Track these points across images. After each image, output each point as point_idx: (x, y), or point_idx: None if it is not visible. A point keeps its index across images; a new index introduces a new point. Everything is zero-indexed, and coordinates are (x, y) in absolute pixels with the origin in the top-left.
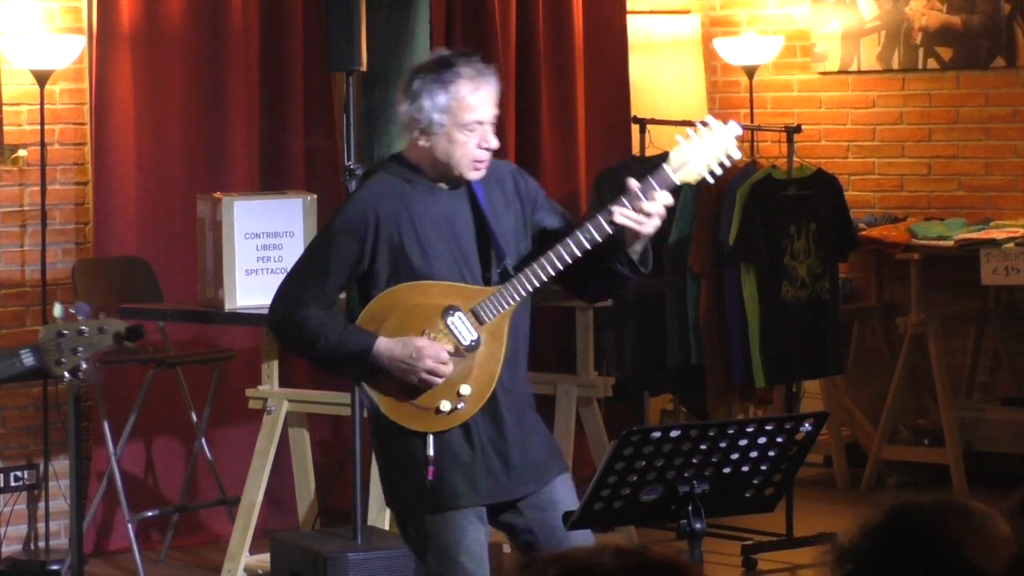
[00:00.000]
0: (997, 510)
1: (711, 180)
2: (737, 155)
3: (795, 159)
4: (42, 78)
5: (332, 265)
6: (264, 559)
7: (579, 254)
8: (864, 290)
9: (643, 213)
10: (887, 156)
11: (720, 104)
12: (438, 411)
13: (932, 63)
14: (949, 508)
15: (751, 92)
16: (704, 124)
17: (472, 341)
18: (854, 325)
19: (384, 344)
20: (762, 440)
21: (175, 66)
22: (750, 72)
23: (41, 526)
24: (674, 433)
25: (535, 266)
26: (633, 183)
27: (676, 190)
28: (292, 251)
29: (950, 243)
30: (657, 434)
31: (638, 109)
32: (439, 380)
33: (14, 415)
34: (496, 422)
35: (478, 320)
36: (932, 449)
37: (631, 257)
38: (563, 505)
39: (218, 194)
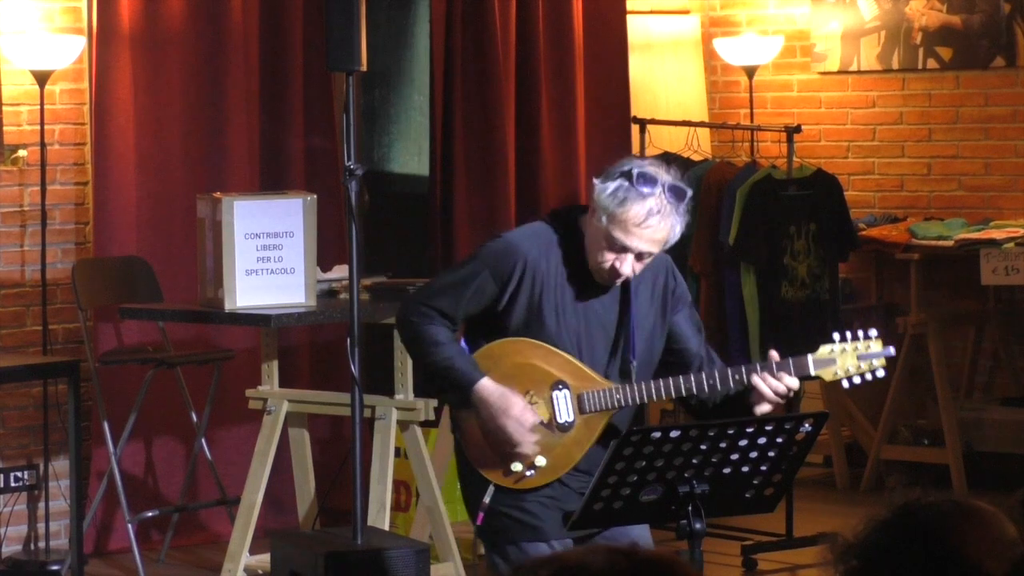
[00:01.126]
0: (1003, 511)
1: (846, 385)
2: (881, 375)
3: (795, 159)
4: (42, 78)
5: (468, 297)
6: (264, 559)
7: (695, 392)
8: (864, 290)
9: (779, 389)
10: (887, 156)
11: (720, 104)
12: (509, 470)
13: (932, 63)
14: (956, 509)
15: (751, 92)
16: (867, 336)
17: (567, 422)
18: (854, 325)
19: (487, 385)
20: (762, 440)
21: (175, 66)
22: (750, 72)
23: (41, 526)
24: (674, 433)
25: (655, 385)
26: (776, 356)
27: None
28: (292, 251)
29: (950, 243)
30: (657, 434)
31: (638, 109)
32: (514, 442)
33: (14, 415)
34: (569, 485)
35: (580, 406)
36: (932, 449)
37: (752, 411)
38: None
39: (218, 194)
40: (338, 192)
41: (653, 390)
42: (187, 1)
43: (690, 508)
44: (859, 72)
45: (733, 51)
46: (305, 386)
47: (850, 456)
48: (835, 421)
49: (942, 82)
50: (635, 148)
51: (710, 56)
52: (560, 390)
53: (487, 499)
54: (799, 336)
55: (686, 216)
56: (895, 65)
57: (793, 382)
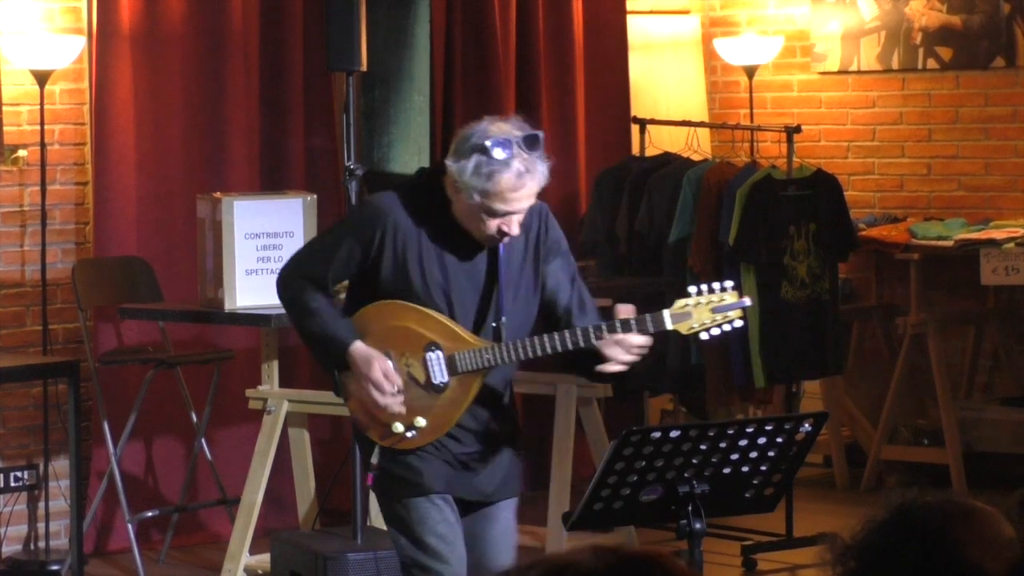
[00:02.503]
0: (1001, 511)
1: (704, 336)
2: (739, 325)
3: (795, 159)
4: (42, 78)
5: (335, 262)
6: (264, 559)
7: (560, 351)
8: (864, 290)
9: (627, 346)
10: (887, 156)
11: (720, 104)
12: (390, 431)
13: (932, 63)
14: (953, 508)
15: (751, 92)
16: (723, 288)
17: (441, 383)
18: (854, 325)
19: (358, 348)
20: (762, 440)
21: (175, 66)
22: (750, 72)
23: (41, 526)
24: (674, 433)
25: (523, 344)
26: (631, 310)
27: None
28: (292, 251)
29: (950, 243)
30: (657, 434)
31: (638, 109)
32: (374, 403)
33: (14, 415)
34: (458, 438)
35: (451, 367)
36: (932, 449)
37: (596, 374)
38: (501, 528)
39: (218, 194)
40: (338, 192)
41: (520, 350)
42: (187, 1)
43: (690, 508)
44: (859, 72)
45: (733, 51)
46: (305, 386)
47: (850, 456)
48: (835, 421)
49: (942, 82)
50: (635, 148)
51: (710, 56)
52: (433, 351)
53: (374, 459)
54: (799, 336)
55: (547, 157)
56: (895, 65)
57: (640, 340)
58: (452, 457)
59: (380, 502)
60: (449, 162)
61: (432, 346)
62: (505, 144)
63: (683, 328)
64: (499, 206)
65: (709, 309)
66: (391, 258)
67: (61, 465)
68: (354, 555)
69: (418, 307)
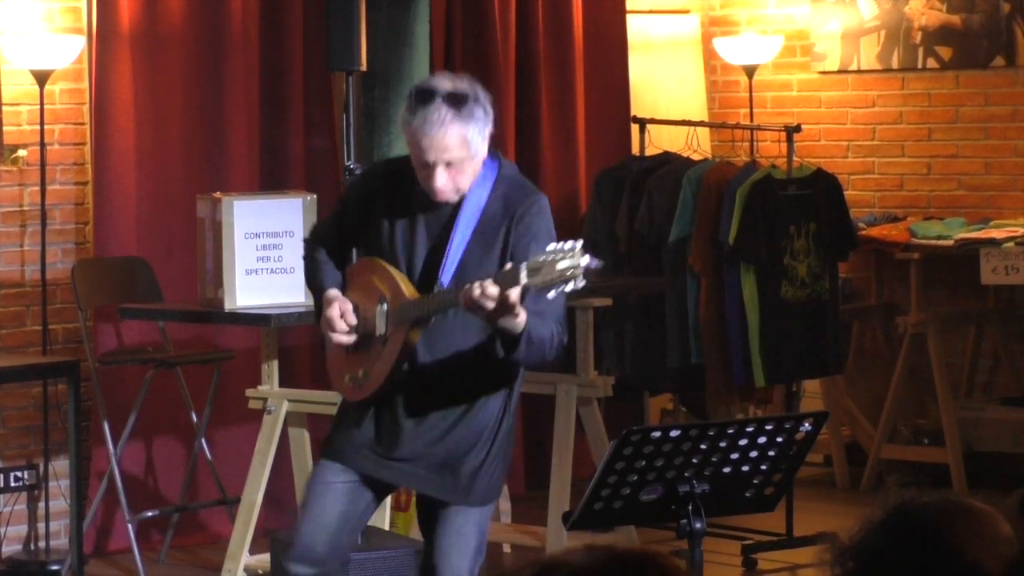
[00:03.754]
0: (999, 510)
1: (551, 295)
2: (580, 285)
3: (795, 159)
4: (42, 78)
5: (335, 214)
6: (264, 559)
7: (455, 305)
8: (864, 290)
9: (487, 297)
10: (887, 156)
11: (720, 104)
12: (347, 379)
13: (932, 63)
14: (951, 508)
15: (751, 92)
16: (573, 248)
17: (381, 335)
18: (854, 325)
19: (329, 293)
20: (762, 440)
21: (175, 66)
22: (750, 72)
23: (41, 526)
24: (674, 433)
25: (434, 298)
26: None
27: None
28: (292, 251)
29: (950, 243)
30: (657, 434)
31: (638, 109)
32: (328, 335)
33: (14, 415)
34: (393, 413)
35: (390, 319)
36: (932, 449)
37: (496, 335)
38: (454, 531)
39: (218, 194)
40: (338, 192)
41: (432, 303)
42: (187, 1)
43: (690, 508)
44: (859, 72)
45: (733, 51)
46: (305, 386)
47: (850, 456)
48: (835, 421)
49: (942, 82)
50: (635, 148)
51: (710, 56)
52: (382, 304)
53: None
54: (799, 336)
55: (481, 119)
56: (895, 65)
57: (486, 299)
58: (383, 436)
59: None
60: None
61: (382, 299)
62: (427, 93)
63: (536, 282)
64: (416, 152)
65: (554, 267)
66: (369, 214)
67: (61, 465)
68: (354, 555)
69: (383, 263)
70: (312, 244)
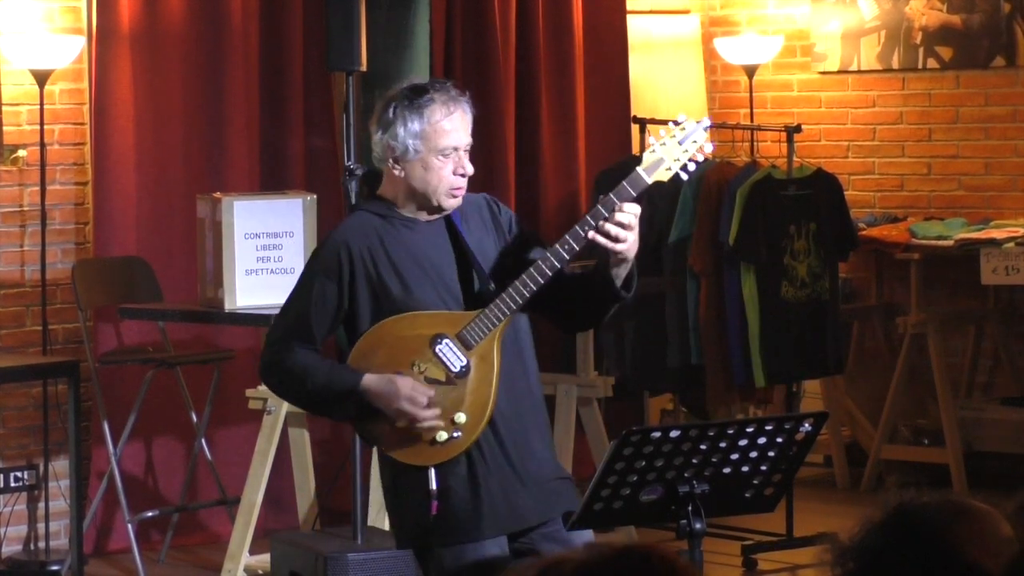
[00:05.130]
0: (999, 511)
1: (684, 176)
2: (709, 149)
3: (795, 159)
4: (42, 78)
5: (314, 309)
6: (264, 559)
7: (559, 266)
8: (864, 290)
9: (618, 225)
10: (887, 156)
11: (720, 104)
12: (434, 442)
13: (932, 63)
14: (951, 508)
15: (751, 92)
16: (675, 123)
17: (462, 367)
18: (854, 325)
19: (370, 379)
20: (762, 440)
21: (175, 66)
22: (750, 72)
23: (41, 526)
24: (674, 433)
25: (517, 284)
26: (602, 199)
27: (640, 198)
28: (292, 251)
29: (950, 243)
30: (657, 434)
31: (638, 109)
32: (417, 417)
33: (14, 415)
34: (501, 446)
35: (465, 345)
36: (932, 449)
37: (613, 281)
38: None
39: (218, 194)
40: (338, 192)
41: (519, 290)
42: (187, 1)
43: (690, 508)
44: (859, 72)
45: (733, 51)
46: None
47: (850, 456)
48: (835, 421)
49: (942, 82)
50: (635, 148)
51: (710, 56)
52: (440, 343)
53: (434, 484)
54: (799, 336)
55: (465, 92)
56: (895, 65)
57: (626, 216)
58: (500, 483)
59: (421, 545)
60: (377, 138)
61: (437, 339)
62: (417, 88)
63: (662, 175)
64: (442, 142)
65: (676, 143)
66: (364, 281)
67: (61, 465)
68: (354, 555)
69: (403, 315)
70: (284, 351)
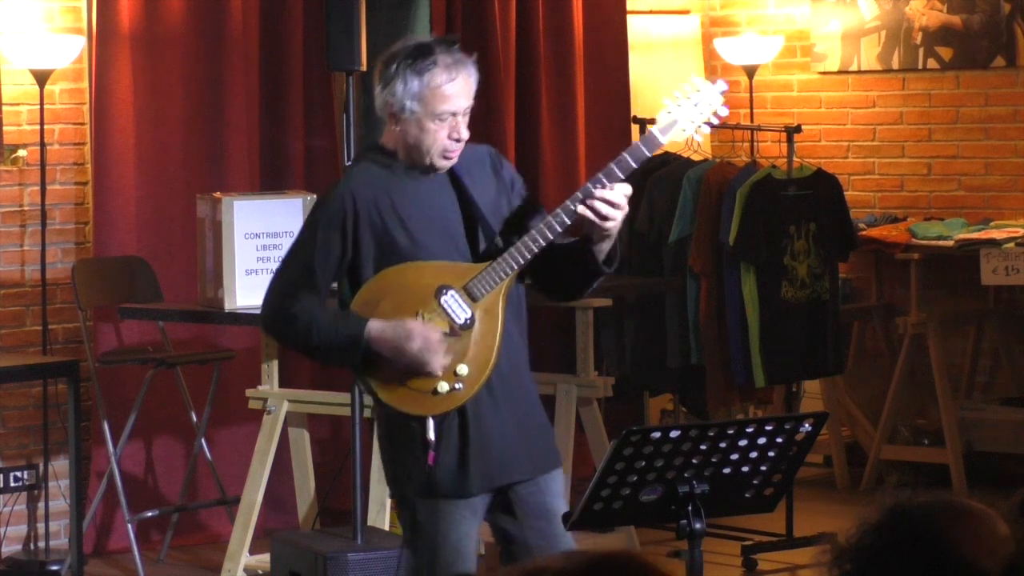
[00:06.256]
0: (996, 510)
1: (698, 138)
2: (724, 112)
3: (795, 159)
4: (42, 78)
5: (317, 258)
6: (264, 559)
7: (560, 229)
8: (864, 290)
9: (607, 203)
10: (887, 156)
11: None
12: (435, 392)
13: (932, 63)
14: (946, 507)
15: (751, 92)
16: (691, 86)
17: (467, 319)
18: (854, 325)
19: (376, 327)
20: (762, 440)
21: (175, 66)
22: (750, 72)
23: (41, 526)
24: (674, 433)
25: (525, 239)
26: (606, 166)
27: (631, 178)
28: None
29: (950, 243)
30: (657, 434)
31: (638, 109)
32: (429, 364)
33: (14, 415)
34: (497, 409)
35: (471, 297)
36: (932, 449)
37: (595, 255)
38: (558, 512)
39: (218, 194)
40: None
41: (528, 245)
42: (187, 1)
43: (690, 508)
44: (859, 72)
45: (733, 51)
46: (305, 386)
47: (850, 456)
48: (835, 421)
49: (942, 82)
50: None
51: (710, 56)
52: (446, 294)
53: (431, 434)
54: (799, 336)
55: (471, 54)
56: (895, 65)
57: (616, 195)
58: (491, 440)
59: (408, 497)
60: (378, 92)
61: (442, 290)
62: (424, 47)
63: (677, 136)
64: (440, 106)
65: (692, 105)
66: (369, 231)
67: (61, 465)
68: (354, 555)
69: (408, 264)
70: (288, 299)
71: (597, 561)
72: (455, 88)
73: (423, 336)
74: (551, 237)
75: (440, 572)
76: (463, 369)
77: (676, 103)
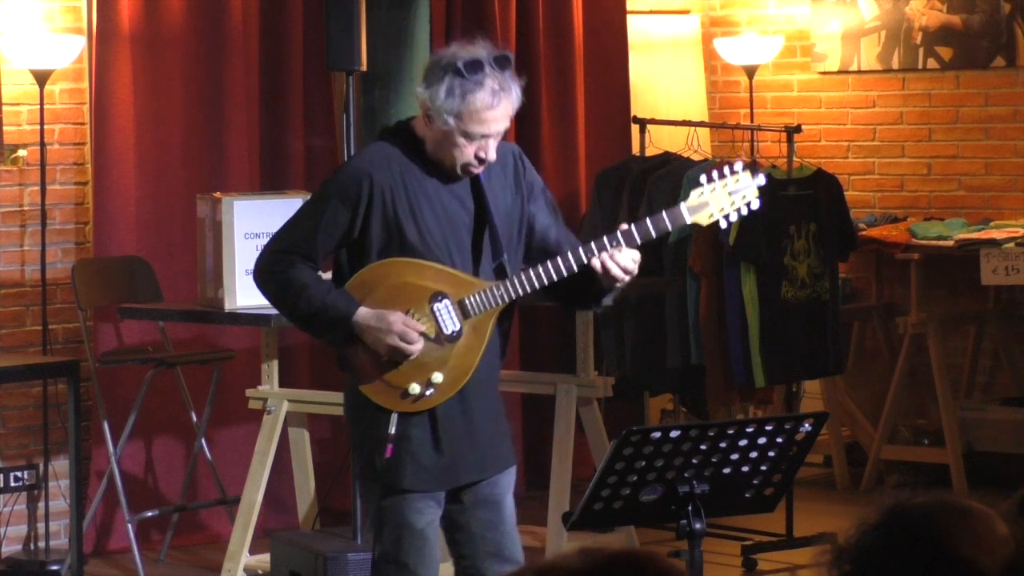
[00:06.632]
0: (995, 511)
1: (724, 225)
2: (757, 205)
3: (795, 159)
4: (42, 78)
5: (321, 229)
6: (264, 559)
7: (566, 273)
8: (864, 290)
9: (620, 268)
10: (887, 156)
11: (720, 104)
12: (407, 393)
13: (932, 63)
14: (945, 507)
15: (751, 92)
16: (732, 171)
17: (454, 331)
18: (854, 325)
19: (363, 312)
20: (762, 440)
21: (175, 66)
22: (750, 72)
23: (41, 526)
24: (674, 433)
25: (530, 273)
26: (624, 227)
27: (644, 246)
28: None
29: (950, 243)
30: (657, 434)
31: (638, 109)
32: (404, 353)
33: (14, 415)
34: (467, 414)
35: (463, 312)
36: (932, 449)
37: (600, 292)
38: (507, 509)
39: (218, 194)
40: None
41: (531, 280)
42: (187, 1)
43: (690, 508)
44: (859, 72)
45: (733, 51)
46: (305, 386)
47: (850, 456)
48: (835, 421)
49: (942, 82)
50: (635, 148)
51: (710, 56)
52: (440, 301)
53: (392, 428)
54: (799, 336)
55: (519, 78)
56: (895, 65)
57: (629, 263)
58: (459, 446)
59: (374, 487)
60: (420, 89)
61: (438, 296)
62: (476, 64)
63: (703, 219)
64: (475, 128)
65: (727, 193)
66: (380, 216)
67: (61, 465)
68: (354, 555)
69: (413, 260)
70: (285, 263)
71: (613, 559)
72: (495, 114)
73: (402, 330)
74: (555, 278)
75: (406, 558)
76: (438, 377)
77: (711, 186)
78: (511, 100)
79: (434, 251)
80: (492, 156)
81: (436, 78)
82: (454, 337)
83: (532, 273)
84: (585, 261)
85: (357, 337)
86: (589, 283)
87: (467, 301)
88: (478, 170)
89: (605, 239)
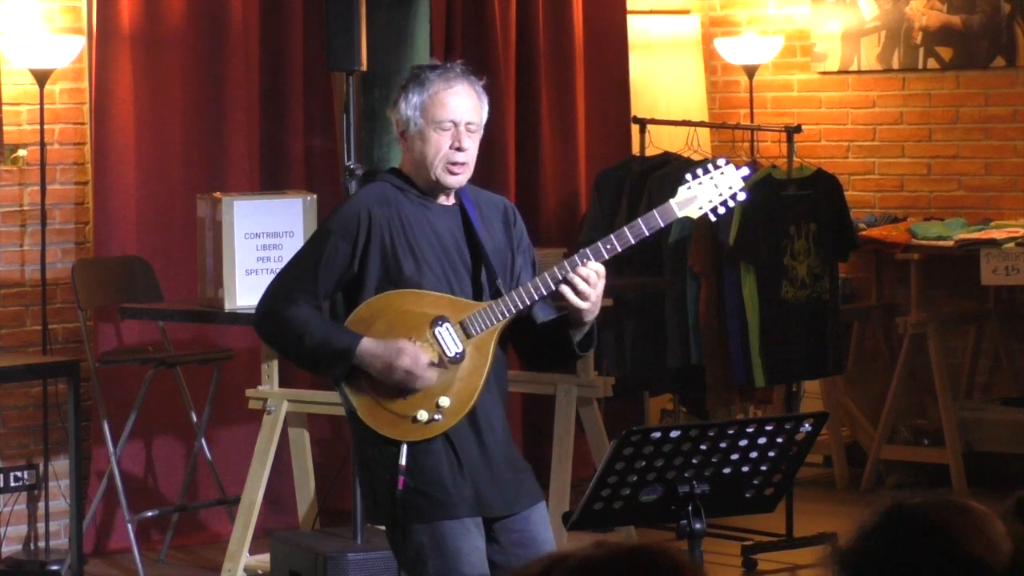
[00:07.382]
0: (993, 511)
1: (712, 217)
2: (743, 197)
3: (795, 159)
4: (42, 78)
5: (323, 265)
6: (264, 559)
7: (560, 278)
8: (864, 290)
9: (582, 279)
10: (887, 156)
11: (720, 104)
12: (415, 420)
13: (932, 63)
14: (945, 506)
15: (751, 92)
16: (715, 166)
17: (457, 353)
18: (854, 325)
19: (368, 344)
20: (762, 440)
21: (175, 66)
22: (750, 72)
23: (41, 526)
24: (674, 433)
25: (528, 286)
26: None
27: (608, 261)
28: (292, 251)
29: (950, 243)
30: (657, 434)
31: (638, 109)
32: (417, 381)
33: (14, 415)
34: (478, 436)
35: (466, 333)
36: (932, 449)
37: (570, 337)
38: (545, 544)
39: (218, 194)
40: (338, 192)
41: (530, 292)
42: (187, 1)
43: (690, 508)
44: (859, 72)
45: (733, 51)
46: (305, 386)
47: (850, 456)
48: (835, 421)
49: (942, 82)
50: (635, 148)
51: (710, 56)
52: (440, 325)
53: (403, 460)
54: (799, 336)
55: (480, 77)
56: (895, 65)
57: (588, 272)
58: (479, 468)
59: (395, 519)
60: (390, 114)
61: (438, 321)
62: (427, 66)
63: (692, 212)
64: (440, 113)
65: (713, 185)
66: (378, 250)
67: (61, 465)
68: (354, 555)
69: (411, 290)
70: (285, 301)
71: (628, 551)
72: (454, 97)
73: (413, 355)
74: (552, 287)
75: None
76: (444, 401)
77: (698, 180)
78: (468, 85)
79: (431, 282)
80: (467, 144)
81: (398, 94)
82: (457, 359)
83: (531, 285)
84: (581, 262)
85: (362, 372)
86: (561, 335)
87: (468, 321)
88: (460, 169)
89: (587, 249)
